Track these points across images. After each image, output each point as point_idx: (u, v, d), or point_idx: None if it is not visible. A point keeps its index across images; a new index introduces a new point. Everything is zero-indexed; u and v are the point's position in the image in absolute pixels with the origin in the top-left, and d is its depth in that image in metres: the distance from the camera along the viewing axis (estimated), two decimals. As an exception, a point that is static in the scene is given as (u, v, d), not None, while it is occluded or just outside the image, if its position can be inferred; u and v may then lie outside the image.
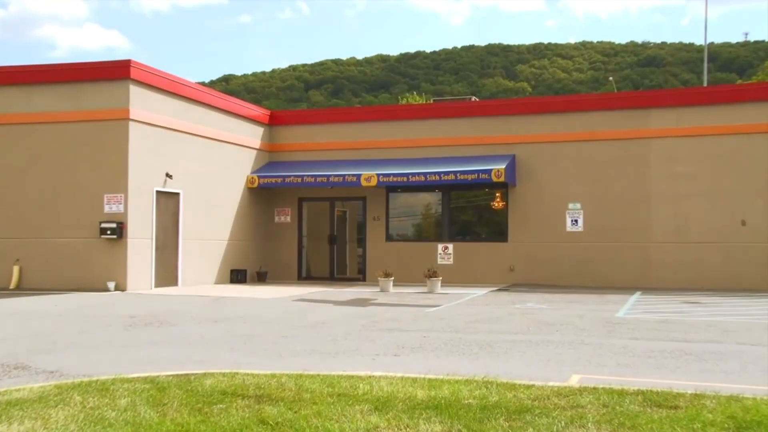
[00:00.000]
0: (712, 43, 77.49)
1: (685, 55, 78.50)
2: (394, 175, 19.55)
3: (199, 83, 22.90)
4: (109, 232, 16.05)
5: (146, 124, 16.82)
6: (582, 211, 19.37)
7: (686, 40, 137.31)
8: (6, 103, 16.99)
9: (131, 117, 16.35)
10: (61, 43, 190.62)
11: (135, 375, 6.38)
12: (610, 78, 54.26)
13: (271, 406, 5.17)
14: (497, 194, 20.35)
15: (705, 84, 32.90)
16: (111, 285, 15.97)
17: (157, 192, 17.16)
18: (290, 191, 21.55)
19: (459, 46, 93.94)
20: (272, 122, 22.23)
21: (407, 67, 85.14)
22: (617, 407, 5.11)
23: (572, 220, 19.41)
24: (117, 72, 16.45)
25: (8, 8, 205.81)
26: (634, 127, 19.16)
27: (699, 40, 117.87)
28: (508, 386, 5.82)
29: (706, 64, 33.50)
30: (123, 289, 16.03)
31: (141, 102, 16.68)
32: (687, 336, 9.39)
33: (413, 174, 19.37)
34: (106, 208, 16.28)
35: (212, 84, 76.46)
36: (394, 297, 15.65)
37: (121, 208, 16.21)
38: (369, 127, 21.51)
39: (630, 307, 13.55)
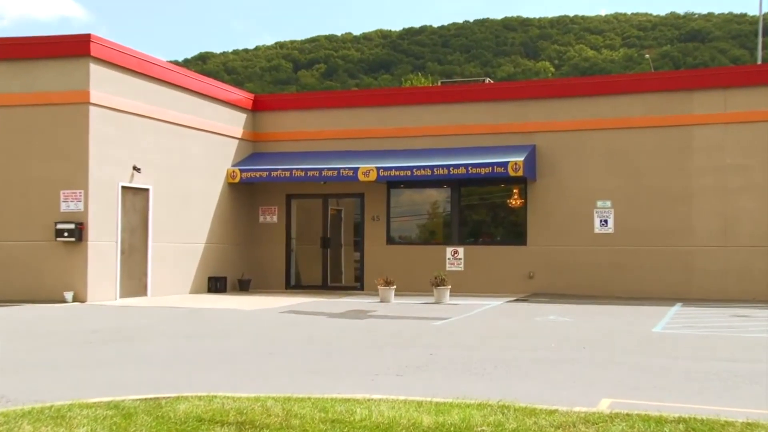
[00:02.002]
0: None
1: (736, 28, 78.36)
2: (396, 168, 19.54)
3: (171, 62, 22.89)
4: (66, 234, 16.04)
5: (109, 109, 16.81)
6: (612, 210, 19.35)
7: (737, 11, 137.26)
8: (-52, 85, 16.97)
9: (92, 101, 16.32)
10: (7, 11, 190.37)
11: (96, 400, 6.35)
12: (647, 56, 54.25)
13: (254, 434, 5.14)
14: (514, 190, 20.33)
15: (759, 61, 32.87)
16: (68, 295, 15.96)
17: (123, 188, 17.15)
18: (277, 187, 21.55)
19: (471, 20, 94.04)
20: (256, 108, 22.23)
21: (411, 45, 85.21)
22: (655, 436, 5.08)
23: (601, 221, 19.39)
24: (75, 48, 16.43)
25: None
26: (674, 113, 19.14)
27: (752, 10, 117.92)
28: (527, 411, 5.80)
29: (760, 38, 33.42)
30: (83, 300, 16.02)
31: (103, 83, 16.66)
32: (735, 355, 9.37)
33: (418, 167, 19.36)
34: (63, 207, 16.26)
35: (187, 63, 76.55)
36: (396, 308, 15.65)
37: (81, 206, 16.19)
38: (367, 114, 21.49)
39: (669, 320, 13.54)
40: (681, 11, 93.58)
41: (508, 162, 18.69)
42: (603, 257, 19.26)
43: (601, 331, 11.91)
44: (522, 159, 18.69)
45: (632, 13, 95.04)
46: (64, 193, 16.29)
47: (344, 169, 19.80)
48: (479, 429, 5.27)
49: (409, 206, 21.70)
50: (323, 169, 19.99)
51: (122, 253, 17.05)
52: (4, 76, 16.72)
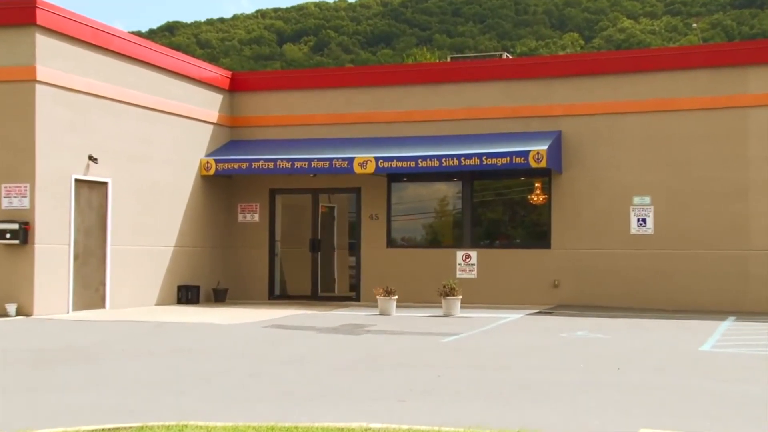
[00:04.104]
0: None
1: (801, -9, 78.01)
2: (398, 158, 19.52)
3: (133, 33, 22.90)
4: (8, 235, 16.02)
5: (60, 89, 16.78)
6: (652, 208, 19.34)
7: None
8: None
9: (39, 78, 16.30)
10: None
11: (45, 431, 6.34)
12: (694, 25, 54.10)
13: (230, 470, 5.15)
14: (537, 184, 20.31)
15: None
16: (11, 308, 15.95)
17: (77, 181, 17.14)
18: (259, 180, 21.54)
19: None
20: (234, 88, 22.21)
21: (416, 14, 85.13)
22: (702, 472, 5.09)
23: (639, 220, 19.39)
24: (17, 16, 16.38)
25: None
26: (726, 93, 19.10)
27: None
28: (552, 443, 5.80)
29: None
30: (28, 314, 16.01)
31: (52, 58, 16.63)
32: (796, 376, 9.37)
33: (424, 157, 19.35)
34: (5, 203, 16.25)
35: (152, 35, 76.53)
36: (399, 322, 15.67)
37: (26, 202, 16.18)
38: (365, 95, 21.47)
39: (719, 337, 13.54)
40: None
41: (529, 151, 18.68)
42: (641, 262, 19.24)
43: (638, 350, 11.91)
44: (545, 148, 18.68)
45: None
46: (6, 188, 16.27)
47: (337, 159, 19.77)
48: (495, 463, 5.26)
49: (414, 203, 21.68)
50: (313, 159, 19.97)
51: (76, 258, 17.04)
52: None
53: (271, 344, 12.66)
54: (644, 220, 19.36)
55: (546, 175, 19.99)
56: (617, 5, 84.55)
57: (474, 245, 20.45)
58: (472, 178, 20.49)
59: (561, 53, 56.64)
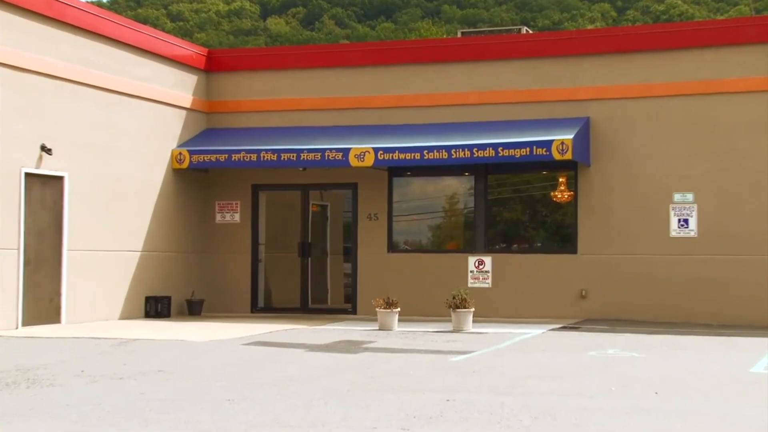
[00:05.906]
0: None
1: None
2: (401, 149, 19.53)
3: (93, 4, 22.88)
4: (-48, 238, 16.03)
5: (7, 67, 16.76)
6: (695, 206, 19.33)
7: None
8: None
9: (-16, 56, 16.35)
10: None
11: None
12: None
13: None
14: (561, 179, 20.32)
15: None
16: (-45, 321, 15.97)
17: (28, 175, 17.13)
18: (240, 175, 21.54)
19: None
20: (211, 67, 22.21)
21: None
22: None
23: (680, 220, 19.37)
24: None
25: None
26: (779, 74, 19.11)
27: None
28: (580, 480, 5.79)
29: None
30: (-26, 329, 16.03)
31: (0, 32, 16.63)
32: None
33: (430, 148, 19.34)
34: (-51, 201, 16.27)
35: (115, 5, 76.58)
36: (401, 338, 15.69)
37: (-28, 200, 16.19)
38: (362, 76, 21.48)
39: (772, 355, 13.53)
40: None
41: (552, 141, 18.67)
42: (682, 270, 19.23)
43: (679, 371, 11.90)
44: (571, 137, 18.67)
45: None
46: (-52, 183, 16.30)
47: (331, 150, 19.77)
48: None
49: (419, 201, 21.68)
50: (302, 150, 19.97)
51: (26, 264, 17.02)
52: None
53: (254, 365, 12.64)
54: (686, 221, 19.35)
55: (572, 168, 20.00)
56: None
57: (488, 249, 20.43)
58: (487, 172, 20.49)
59: (590, 27, 56.61)
